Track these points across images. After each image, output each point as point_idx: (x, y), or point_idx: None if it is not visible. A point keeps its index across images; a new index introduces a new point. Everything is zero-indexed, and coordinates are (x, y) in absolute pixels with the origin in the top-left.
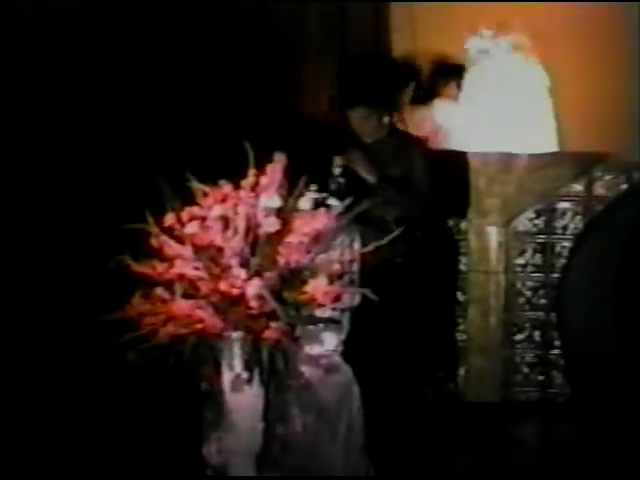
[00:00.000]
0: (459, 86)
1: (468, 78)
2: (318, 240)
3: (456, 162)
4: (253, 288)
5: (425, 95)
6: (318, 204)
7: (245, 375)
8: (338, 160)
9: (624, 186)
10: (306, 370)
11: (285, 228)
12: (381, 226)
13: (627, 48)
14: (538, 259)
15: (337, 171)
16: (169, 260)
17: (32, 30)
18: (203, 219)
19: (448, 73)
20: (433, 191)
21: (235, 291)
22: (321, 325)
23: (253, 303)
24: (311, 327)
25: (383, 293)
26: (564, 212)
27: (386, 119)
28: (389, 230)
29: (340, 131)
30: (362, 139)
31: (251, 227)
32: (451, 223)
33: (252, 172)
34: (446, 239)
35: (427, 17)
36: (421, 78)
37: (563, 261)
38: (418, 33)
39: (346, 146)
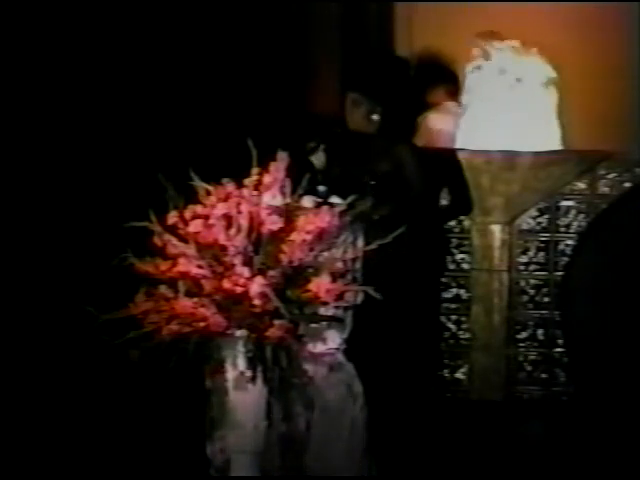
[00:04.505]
0: (455, 92)
1: (472, 77)
2: (321, 238)
3: (447, 161)
4: (256, 286)
5: (422, 100)
6: (321, 202)
7: (248, 373)
8: (321, 154)
9: (628, 184)
10: (309, 368)
11: (288, 226)
12: (384, 224)
13: (630, 47)
14: (541, 257)
15: (319, 163)
16: (172, 258)
17: (33, 29)
18: (206, 217)
19: (443, 78)
20: (420, 189)
21: (238, 289)
22: (324, 323)
23: (256, 301)
24: (314, 325)
25: (386, 291)
26: (567, 210)
27: (376, 115)
28: (391, 228)
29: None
30: (349, 127)
31: (254, 225)
32: (453, 222)
33: (255, 170)
34: (442, 237)
35: (431, 17)
36: (419, 81)
37: (566, 259)
38: (421, 33)
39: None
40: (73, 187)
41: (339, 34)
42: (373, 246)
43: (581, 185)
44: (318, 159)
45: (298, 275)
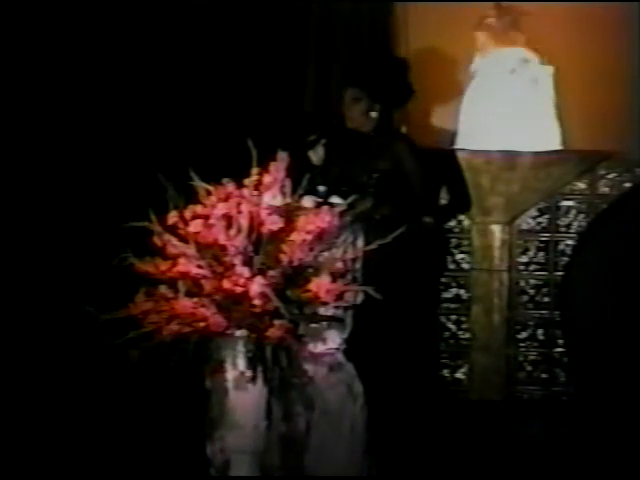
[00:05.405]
0: None
1: (471, 77)
2: (321, 238)
3: (446, 160)
4: (256, 286)
5: None
6: (321, 202)
7: (249, 373)
8: (320, 148)
9: (628, 184)
10: (309, 368)
11: (288, 226)
12: (384, 224)
13: (630, 47)
14: (541, 257)
15: (316, 158)
16: (173, 258)
17: (33, 29)
18: (207, 217)
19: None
20: (420, 188)
21: (238, 289)
22: (324, 323)
23: (256, 301)
24: (314, 325)
25: (386, 291)
26: (567, 210)
27: (374, 113)
28: (391, 228)
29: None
30: (347, 124)
31: (254, 225)
32: (453, 222)
33: (255, 170)
34: (442, 237)
35: (430, 17)
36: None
37: (566, 259)
38: (420, 33)
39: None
40: (73, 187)
41: (338, 33)
42: (373, 246)
43: (581, 185)
44: (316, 154)
45: (298, 275)
